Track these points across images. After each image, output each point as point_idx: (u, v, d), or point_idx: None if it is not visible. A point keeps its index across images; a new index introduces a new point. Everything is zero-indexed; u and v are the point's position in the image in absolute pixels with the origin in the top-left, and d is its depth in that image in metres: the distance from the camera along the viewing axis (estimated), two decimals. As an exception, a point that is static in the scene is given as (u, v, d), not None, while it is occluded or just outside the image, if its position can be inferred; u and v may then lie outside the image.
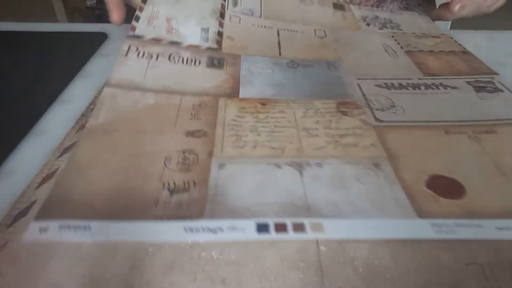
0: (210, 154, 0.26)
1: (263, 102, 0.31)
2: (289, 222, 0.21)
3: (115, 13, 0.37)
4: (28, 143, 0.27)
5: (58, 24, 0.48)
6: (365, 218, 0.21)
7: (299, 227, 0.20)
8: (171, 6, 0.40)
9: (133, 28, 0.37)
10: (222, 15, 0.42)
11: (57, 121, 0.30)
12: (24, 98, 0.32)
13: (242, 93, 0.32)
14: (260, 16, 0.44)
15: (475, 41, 0.44)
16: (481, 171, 0.24)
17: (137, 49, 0.35)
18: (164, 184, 0.23)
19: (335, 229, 0.20)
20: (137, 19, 0.38)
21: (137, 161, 0.25)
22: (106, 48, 0.41)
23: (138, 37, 0.37)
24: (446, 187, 0.23)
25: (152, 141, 0.27)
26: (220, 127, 0.28)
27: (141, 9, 0.39)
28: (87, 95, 0.32)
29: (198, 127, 0.28)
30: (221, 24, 0.41)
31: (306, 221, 0.21)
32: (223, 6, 0.43)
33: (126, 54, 0.35)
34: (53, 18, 1.51)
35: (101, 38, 0.41)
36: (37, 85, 0.34)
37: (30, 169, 0.25)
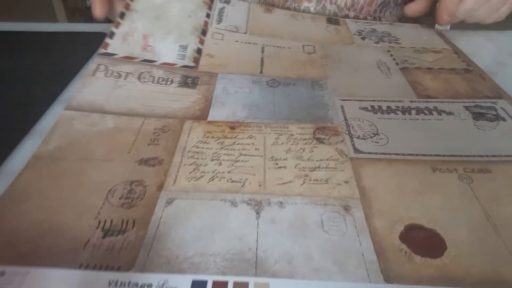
0: (160, 187, 0.23)
1: (233, 126, 0.28)
2: (231, 281, 0.17)
3: (98, 8, 0.37)
4: (28, 143, 0.27)
5: (58, 24, 0.49)
6: (321, 279, 0.17)
7: (241, 288, 0.17)
8: (150, 22, 0.37)
9: (106, 46, 0.35)
10: (203, 32, 0.39)
11: (57, 121, 0.28)
12: (24, 98, 0.31)
13: (212, 115, 0.29)
14: (246, 32, 0.41)
15: (475, 42, 0.42)
16: (469, 222, 0.20)
17: (106, 68, 0.33)
18: (99, 222, 0.20)
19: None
20: (112, 35, 0.36)
21: (77, 193, 0.22)
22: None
23: (109, 55, 0.35)
24: (424, 242, 0.19)
25: (100, 170, 0.24)
26: (179, 154, 0.25)
27: (117, 25, 0.37)
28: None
29: (155, 154, 0.25)
30: (201, 42, 0.38)
31: (251, 281, 0.17)
32: (206, 23, 0.40)
33: (93, 74, 0.33)
34: (53, 18, 1.52)
35: (101, 38, 0.40)
36: (37, 85, 0.33)
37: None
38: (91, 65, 0.34)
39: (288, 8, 0.47)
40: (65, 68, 0.36)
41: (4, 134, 0.27)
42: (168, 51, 0.36)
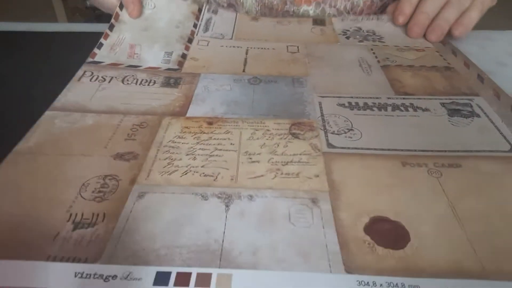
0: (133, 181, 0.23)
1: (210, 121, 0.28)
2: (194, 272, 0.18)
3: (131, 7, 0.38)
4: None
5: (58, 24, 0.49)
6: (282, 270, 0.18)
7: (204, 280, 0.17)
8: (138, 33, 0.38)
9: (93, 55, 0.36)
10: (190, 40, 0.40)
11: (56, 121, 0.29)
12: (24, 98, 0.32)
13: (190, 112, 0.30)
14: (231, 38, 0.41)
15: (475, 42, 0.42)
16: (434, 215, 0.20)
17: (92, 74, 0.34)
18: (70, 216, 0.21)
19: (245, 284, 0.17)
20: (100, 46, 0.37)
21: (52, 186, 0.23)
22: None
23: (96, 63, 0.36)
24: (387, 234, 0.19)
25: (75, 164, 0.24)
26: (154, 149, 0.26)
27: (106, 36, 0.38)
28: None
29: (131, 148, 0.26)
30: (187, 48, 0.39)
31: (214, 272, 0.18)
32: (192, 33, 0.41)
33: (79, 79, 0.33)
34: (53, 18, 1.53)
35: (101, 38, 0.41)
36: (37, 85, 0.34)
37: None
38: (78, 72, 0.34)
39: (287, 12, 0.47)
40: (65, 68, 0.36)
41: (4, 134, 0.27)
42: (153, 58, 0.37)
